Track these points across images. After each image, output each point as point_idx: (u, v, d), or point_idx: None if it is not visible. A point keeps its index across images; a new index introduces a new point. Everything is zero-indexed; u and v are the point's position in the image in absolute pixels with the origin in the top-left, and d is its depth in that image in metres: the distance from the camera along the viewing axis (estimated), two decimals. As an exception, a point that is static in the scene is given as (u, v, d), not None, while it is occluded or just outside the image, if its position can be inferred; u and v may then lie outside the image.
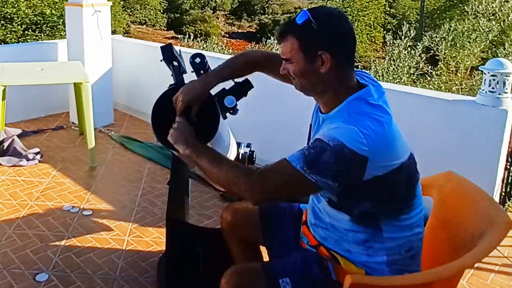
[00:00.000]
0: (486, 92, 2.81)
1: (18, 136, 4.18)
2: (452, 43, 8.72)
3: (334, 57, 1.40)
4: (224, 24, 25.90)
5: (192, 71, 1.79)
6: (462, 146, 2.87)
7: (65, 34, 4.90)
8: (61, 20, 11.02)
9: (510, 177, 3.06)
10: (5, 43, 10.21)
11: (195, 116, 1.63)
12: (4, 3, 10.90)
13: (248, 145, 1.98)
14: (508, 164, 3.00)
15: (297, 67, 1.44)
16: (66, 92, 4.83)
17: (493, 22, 8.58)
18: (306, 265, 1.52)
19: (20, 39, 10.96)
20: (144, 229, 2.91)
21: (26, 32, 11.16)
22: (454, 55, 8.27)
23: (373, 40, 19.64)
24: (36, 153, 3.95)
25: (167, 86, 1.79)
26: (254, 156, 1.96)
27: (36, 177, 3.60)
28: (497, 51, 8.06)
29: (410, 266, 1.49)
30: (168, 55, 1.87)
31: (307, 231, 1.63)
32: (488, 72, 2.82)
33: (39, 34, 11.27)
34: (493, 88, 2.79)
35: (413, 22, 16.73)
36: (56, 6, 11.52)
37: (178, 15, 24.63)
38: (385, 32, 16.75)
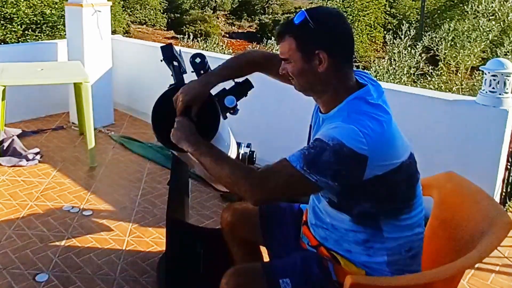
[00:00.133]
0: (486, 92, 2.81)
1: (18, 136, 4.18)
2: (452, 43, 8.72)
3: (331, 56, 1.40)
4: (224, 24, 25.89)
5: (192, 71, 1.79)
6: (463, 146, 2.87)
7: (65, 34, 4.90)
8: (61, 20, 11.01)
9: (510, 177, 3.05)
10: (5, 43, 10.20)
11: (195, 116, 1.63)
12: (4, 3, 10.90)
13: (248, 145, 1.98)
14: (509, 164, 2.99)
15: (295, 67, 1.45)
16: (66, 92, 4.83)
17: (493, 22, 8.58)
18: (306, 265, 1.51)
19: (20, 39, 10.95)
20: (144, 230, 2.91)
21: (26, 32, 11.15)
22: (454, 55, 8.27)
23: (373, 40, 19.63)
24: (36, 153, 3.95)
25: (167, 86, 1.79)
26: (254, 156, 1.96)
27: (36, 177, 3.60)
28: (497, 50, 8.05)
29: (411, 266, 1.49)
30: (168, 55, 1.87)
31: (308, 231, 1.63)
32: (489, 72, 2.82)
33: (39, 34, 11.26)
34: (493, 88, 2.78)
35: (413, 22, 16.71)
36: (56, 6, 11.51)
37: (178, 15, 24.62)
38: (385, 32, 16.74)
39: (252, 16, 26.47)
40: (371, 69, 9.07)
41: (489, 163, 2.79)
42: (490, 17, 8.84)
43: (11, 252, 2.63)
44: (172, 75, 1.89)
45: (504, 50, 7.67)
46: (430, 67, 8.63)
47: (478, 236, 1.47)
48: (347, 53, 1.45)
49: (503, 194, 3.03)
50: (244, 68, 1.77)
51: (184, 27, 22.12)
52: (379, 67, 8.58)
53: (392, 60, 8.70)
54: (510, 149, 2.92)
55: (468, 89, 7.19)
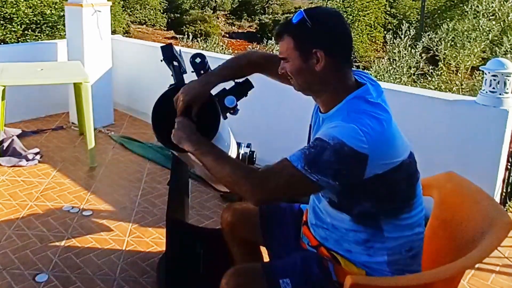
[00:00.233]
0: (486, 92, 2.81)
1: (18, 136, 4.18)
2: (452, 43, 8.72)
3: (329, 55, 1.41)
4: (224, 24, 25.90)
5: (192, 71, 1.79)
6: (463, 146, 2.87)
7: (65, 34, 4.90)
8: (61, 20, 11.01)
9: (510, 177, 3.05)
10: (4, 43, 10.20)
11: (195, 116, 1.63)
12: (3, 3, 10.89)
13: (248, 145, 1.98)
14: (509, 164, 2.99)
15: (293, 66, 1.46)
16: (66, 92, 4.83)
17: (493, 22, 8.57)
18: (306, 265, 1.51)
19: (19, 39, 10.95)
20: (144, 230, 2.90)
21: (26, 32, 11.15)
22: (454, 55, 8.26)
23: (373, 40, 19.64)
24: (36, 153, 3.95)
25: (167, 86, 1.79)
26: (254, 156, 1.95)
27: (35, 178, 3.60)
28: (497, 49, 8.05)
29: (411, 266, 1.49)
30: (168, 55, 1.87)
31: (308, 231, 1.63)
32: (489, 72, 2.82)
33: (39, 34, 11.26)
34: (493, 88, 2.78)
35: (413, 22, 16.73)
36: (56, 6, 11.51)
37: (178, 15, 24.63)
38: (385, 32, 16.74)
39: (252, 16, 26.48)
40: (371, 69, 9.07)
41: (489, 163, 2.79)
42: (490, 17, 8.83)
43: (11, 252, 2.63)
44: (172, 75, 1.89)
45: (503, 50, 7.66)
46: (430, 67, 8.63)
47: (478, 236, 1.47)
48: (345, 52, 1.46)
49: (503, 194, 3.03)
50: (244, 68, 1.77)
51: (184, 27, 22.13)
52: (379, 67, 8.58)
53: (392, 60, 8.71)
54: (510, 149, 2.92)
55: (468, 89, 7.19)
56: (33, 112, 4.94)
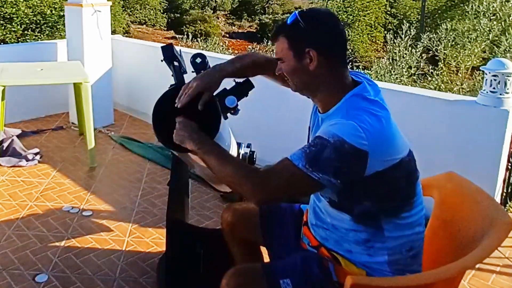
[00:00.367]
0: (487, 92, 2.80)
1: (18, 136, 4.18)
2: (453, 43, 8.71)
3: (321, 54, 1.43)
4: (224, 24, 25.89)
5: (192, 71, 1.78)
6: (463, 146, 2.86)
7: (65, 34, 4.90)
8: (61, 20, 11.01)
9: (511, 178, 3.05)
10: (4, 43, 10.20)
11: (202, 105, 1.61)
12: (3, 2, 10.88)
13: (249, 146, 1.98)
14: (510, 164, 2.99)
15: (288, 66, 1.48)
16: (66, 92, 4.83)
17: (494, 22, 8.56)
18: (306, 265, 1.51)
19: (19, 39, 10.95)
20: (144, 230, 2.90)
21: (26, 32, 11.15)
22: (455, 55, 8.26)
23: (374, 40, 19.63)
24: (36, 154, 3.95)
25: (167, 86, 1.78)
26: (255, 156, 1.95)
27: (35, 178, 3.60)
28: (496, 49, 8.04)
29: (411, 266, 1.49)
30: (169, 55, 1.87)
31: (308, 232, 1.63)
32: (489, 72, 2.82)
33: (39, 34, 11.26)
34: (494, 88, 2.78)
35: (414, 22, 16.72)
36: (56, 6, 11.51)
37: (178, 15, 24.61)
38: (385, 32, 16.74)
39: (252, 16, 26.46)
40: (371, 69, 9.07)
41: (489, 163, 2.79)
42: (491, 17, 8.82)
43: (11, 252, 2.63)
44: (172, 75, 1.89)
45: (502, 49, 7.66)
46: (430, 67, 8.63)
47: (479, 236, 1.47)
48: (339, 52, 1.48)
49: (504, 194, 3.02)
50: (249, 68, 1.77)
51: (184, 27, 22.12)
52: (379, 67, 8.58)
53: (392, 60, 8.70)
54: (511, 150, 2.92)
55: (469, 89, 7.18)
56: (33, 112, 4.94)
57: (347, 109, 1.40)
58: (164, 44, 1.95)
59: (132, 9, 22.90)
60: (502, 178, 2.91)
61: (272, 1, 27.33)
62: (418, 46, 8.68)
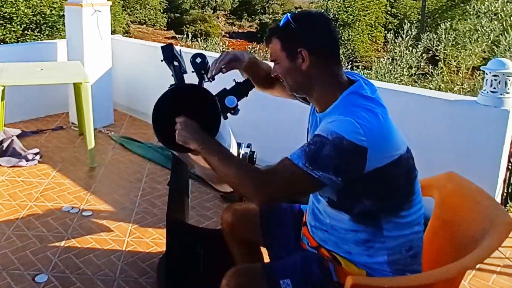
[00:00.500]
0: (487, 92, 2.80)
1: (18, 136, 4.17)
2: (454, 42, 8.71)
3: (313, 54, 1.46)
4: (224, 24, 25.91)
5: (192, 71, 1.78)
6: (464, 146, 2.86)
7: (65, 34, 4.90)
8: (61, 20, 11.01)
9: (511, 178, 3.05)
10: (4, 43, 10.21)
11: (212, 77, 1.73)
12: (3, 2, 10.89)
13: (249, 146, 1.98)
14: (510, 164, 2.98)
15: (282, 67, 1.52)
16: (65, 92, 4.83)
17: (495, 22, 8.56)
18: (306, 265, 1.51)
19: (19, 39, 10.96)
20: (144, 230, 2.90)
21: (26, 32, 11.16)
22: (455, 55, 8.26)
23: (374, 40, 19.64)
24: (36, 154, 3.94)
25: (167, 86, 1.78)
26: (255, 156, 1.95)
27: (35, 178, 3.59)
28: (496, 49, 8.04)
29: (411, 266, 1.49)
30: (169, 55, 1.87)
31: (307, 232, 1.63)
32: (490, 72, 2.81)
33: (39, 34, 11.27)
34: (494, 88, 2.77)
35: (414, 22, 16.72)
36: (56, 6, 11.51)
37: (178, 15, 24.64)
38: (386, 32, 16.74)
39: (253, 16, 26.49)
40: (371, 69, 9.07)
41: (490, 163, 2.78)
42: (492, 18, 8.82)
43: (11, 252, 2.62)
44: (172, 75, 1.89)
45: (501, 49, 7.65)
46: (430, 67, 8.63)
47: (479, 236, 1.47)
48: (330, 51, 1.50)
49: (504, 194, 3.02)
50: (265, 78, 1.80)
51: (184, 27, 22.14)
52: (379, 67, 8.58)
53: (392, 60, 8.70)
54: (511, 150, 2.92)
55: (469, 89, 7.18)
56: (32, 112, 4.93)
57: (345, 106, 1.41)
58: (164, 44, 1.95)
59: (132, 9, 22.92)
60: (502, 178, 2.90)
61: (272, 1, 27.35)
62: (419, 46, 8.68)
